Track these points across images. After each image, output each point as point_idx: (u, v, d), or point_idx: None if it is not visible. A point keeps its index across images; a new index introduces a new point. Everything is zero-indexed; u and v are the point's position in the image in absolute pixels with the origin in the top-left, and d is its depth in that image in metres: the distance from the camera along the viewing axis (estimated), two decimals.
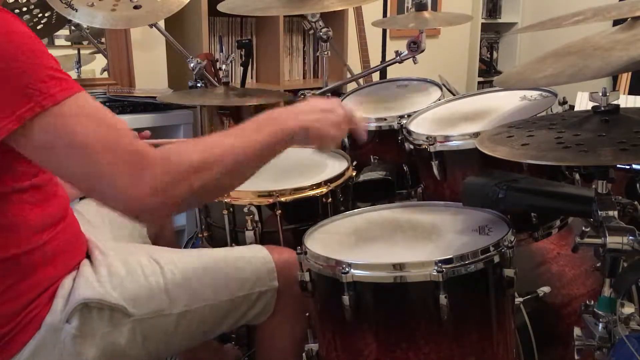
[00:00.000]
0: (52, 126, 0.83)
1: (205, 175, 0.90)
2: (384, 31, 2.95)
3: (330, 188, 1.40)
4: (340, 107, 1.11)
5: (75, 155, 0.84)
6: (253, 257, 1.21)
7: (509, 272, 1.03)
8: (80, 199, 1.40)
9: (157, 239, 1.48)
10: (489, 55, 4.17)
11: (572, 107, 1.73)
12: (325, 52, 1.97)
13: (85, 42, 2.36)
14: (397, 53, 1.80)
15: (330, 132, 1.07)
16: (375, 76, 2.51)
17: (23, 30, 0.85)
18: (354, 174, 1.51)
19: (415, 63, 1.79)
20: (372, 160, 1.62)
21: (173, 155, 0.89)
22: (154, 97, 2.02)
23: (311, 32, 1.95)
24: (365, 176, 1.50)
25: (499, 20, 4.10)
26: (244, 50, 2.22)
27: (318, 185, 1.40)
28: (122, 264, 1.11)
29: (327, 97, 1.10)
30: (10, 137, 0.83)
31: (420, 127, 1.47)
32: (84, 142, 0.84)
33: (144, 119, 2.04)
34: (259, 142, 0.97)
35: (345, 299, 1.00)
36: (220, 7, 1.82)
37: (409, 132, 1.44)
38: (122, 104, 2.03)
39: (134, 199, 0.85)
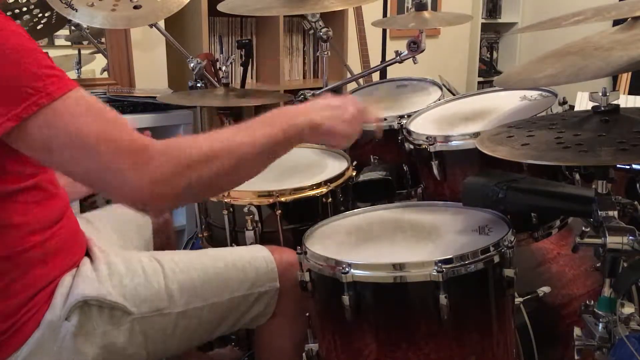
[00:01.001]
0: (51, 123, 0.83)
1: (205, 169, 0.89)
2: (384, 31, 2.94)
3: (330, 188, 1.40)
4: (353, 104, 1.09)
5: (76, 151, 0.84)
6: (254, 257, 1.21)
7: (509, 272, 1.03)
8: (82, 201, 1.40)
9: (162, 248, 1.48)
10: (489, 55, 4.17)
11: (572, 107, 1.72)
12: (325, 52, 1.97)
13: (85, 42, 2.36)
14: (397, 53, 1.80)
15: (341, 129, 1.05)
16: (375, 76, 2.50)
17: (18, 30, 0.85)
18: (354, 174, 1.51)
19: (415, 63, 1.79)
20: (372, 160, 1.62)
21: (173, 148, 0.89)
22: (154, 97, 2.02)
23: (311, 32, 1.95)
24: (365, 176, 1.50)
25: (499, 20, 4.10)
26: (244, 50, 2.22)
27: (318, 185, 1.40)
28: (122, 262, 1.11)
29: (341, 95, 1.09)
30: (8, 136, 0.83)
31: (420, 127, 1.47)
32: (83, 137, 0.84)
33: (144, 119, 2.03)
34: (266, 138, 0.96)
35: (345, 299, 1.00)
36: (220, 7, 1.82)
37: (409, 132, 1.44)
38: (122, 104, 2.03)
39: (137, 190, 0.86)
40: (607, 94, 1.00)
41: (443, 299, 0.96)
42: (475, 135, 1.27)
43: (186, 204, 1.04)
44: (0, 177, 0.93)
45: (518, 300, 1.25)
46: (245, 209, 1.36)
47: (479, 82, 4.04)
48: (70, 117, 0.84)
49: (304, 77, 2.96)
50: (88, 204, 1.94)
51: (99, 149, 0.84)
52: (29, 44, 0.85)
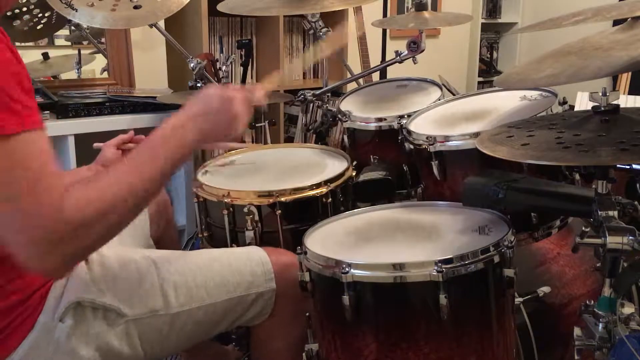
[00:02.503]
0: None
1: (103, 227, 0.85)
2: (384, 31, 2.95)
3: (330, 188, 1.40)
4: (233, 96, 1.04)
5: None
6: (250, 258, 1.21)
7: (509, 272, 1.03)
8: None
9: (160, 241, 1.48)
10: (489, 55, 4.17)
11: (572, 107, 1.73)
12: None
13: (85, 42, 2.36)
14: (397, 53, 1.81)
15: (228, 130, 1.04)
16: (375, 76, 2.50)
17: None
18: (354, 174, 1.51)
19: (415, 63, 1.79)
20: (372, 160, 1.62)
21: (73, 215, 0.81)
22: (154, 97, 2.02)
23: (311, 32, 1.95)
24: (365, 176, 1.50)
25: (499, 20, 4.10)
26: (244, 50, 2.22)
27: (318, 185, 1.40)
28: (117, 263, 1.11)
29: (220, 86, 1.08)
30: None
31: (420, 127, 1.47)
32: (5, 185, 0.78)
33: (144, 119, 2.04)
34: (158, 170, 0.92)
35: (345, 299, 1.00)
36: (220, 7, 1.82)
37: (409, 132, 1.44)
38: (122, 104, 2.03)
39: (33, 265, 0.82)
40: (607, 94, 0.99)
41: (443, 299, 0.96)
42: (475, 135, 1.27)
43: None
44: None
45: (518, 300, 1.25)
46: (245, 209, 1.36)
47: (479, 82, 4.04)
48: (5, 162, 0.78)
49: (304, 77, 2.96)
50: None
51: (12, 210, 0.79)
52: (9, 66, 0.80)
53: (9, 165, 0.78)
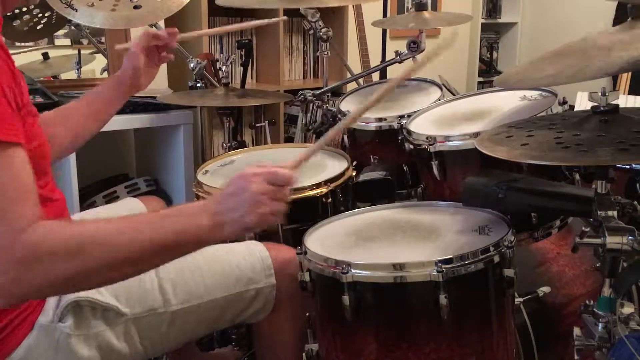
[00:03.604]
0: None
1: (71, 265, 0.81)
2: (384, 31, 2.95)
3: (330, 188, 1.40)
4: (252, 173, 0.91)
5: None
6: (249, 253, 1.20)
7: (509, 272, 1.03)
8: (81, 204, 1.40)
9: None
10: (489, 55, 4.17)
11: (572, 107, 1.73)
12: (325, 52, 1.97)
13: (85, 42, 2.36)
14: (397, 53, 1.81)
15: (250, 210, 0.89)
16: (375, 76, 2.50)
17: None
18: (354, 174, 1.51)
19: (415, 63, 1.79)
20: (372, 160, 1.62)
21: (43, 245, 0.80)
22: (154, 97, 2.02)
23: (311, 32, 1.95)
24: (365, 176, 1.50)
25: (499, 20, 4.10)
26: (244, 50, 2.22)
27: (318, 185, 1.40)
28: None
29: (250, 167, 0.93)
30: None
31: (420, 127, 1.47)
32: None
33: (144, 119, 2.04)
34: (154, 238, 0.86)
35: (345, 299, 1.00)
36: (219, 2, 1.82)
37: (409, 132, 1.44)
38: None
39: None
40: (607, 94, 1.00)
41: (443, 299, 0.96)
42: (475, 135, 1.27)
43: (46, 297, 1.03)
44: None
45: (518, 300, 1.25)
46: None
47: (479, 82, 4.04)
48: None
49: (304, 77, 2.96)
50: (87, 205, 1.95)
51: None
52: None
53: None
